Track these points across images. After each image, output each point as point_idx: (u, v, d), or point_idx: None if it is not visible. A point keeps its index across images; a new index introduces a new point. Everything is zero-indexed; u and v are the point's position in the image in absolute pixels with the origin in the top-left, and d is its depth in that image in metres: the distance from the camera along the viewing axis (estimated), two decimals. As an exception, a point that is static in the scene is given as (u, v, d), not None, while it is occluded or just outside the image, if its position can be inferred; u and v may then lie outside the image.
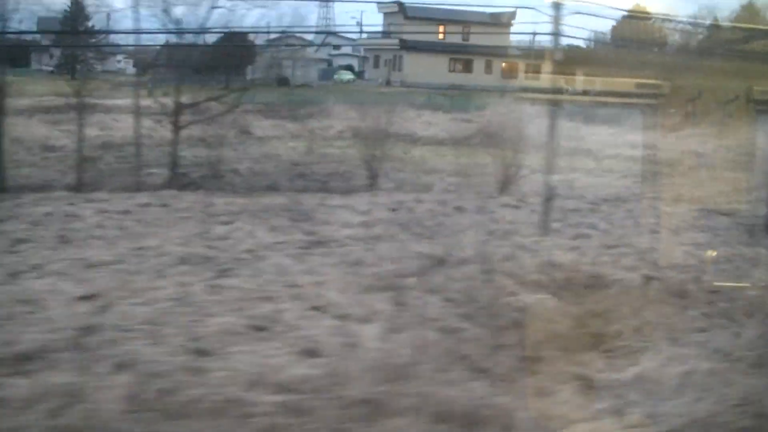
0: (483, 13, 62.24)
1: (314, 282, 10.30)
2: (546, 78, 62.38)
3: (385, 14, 58.28)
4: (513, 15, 60.76)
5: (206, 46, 50.48)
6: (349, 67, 66.73)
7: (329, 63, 69.29)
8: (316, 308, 9.23)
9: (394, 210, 16.10)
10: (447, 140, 27.81)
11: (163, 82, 54.39)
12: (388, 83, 57.11)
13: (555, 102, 20.18)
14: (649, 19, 57.32)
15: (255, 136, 27.44)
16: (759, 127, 26.48)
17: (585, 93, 56.72)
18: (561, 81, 61.79)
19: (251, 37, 53.04)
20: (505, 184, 19.51)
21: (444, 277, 10.58)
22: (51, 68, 63.23)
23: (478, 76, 55.65)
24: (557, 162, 24.44)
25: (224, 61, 51.33)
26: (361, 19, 65.02)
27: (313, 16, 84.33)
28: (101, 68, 62.66)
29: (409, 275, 10.57)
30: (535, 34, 56.64)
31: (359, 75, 63.66)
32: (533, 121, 32.19)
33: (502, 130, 29.19)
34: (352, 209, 16.04)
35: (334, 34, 60.97)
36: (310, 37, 58.79)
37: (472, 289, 9.95)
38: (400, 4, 55.64)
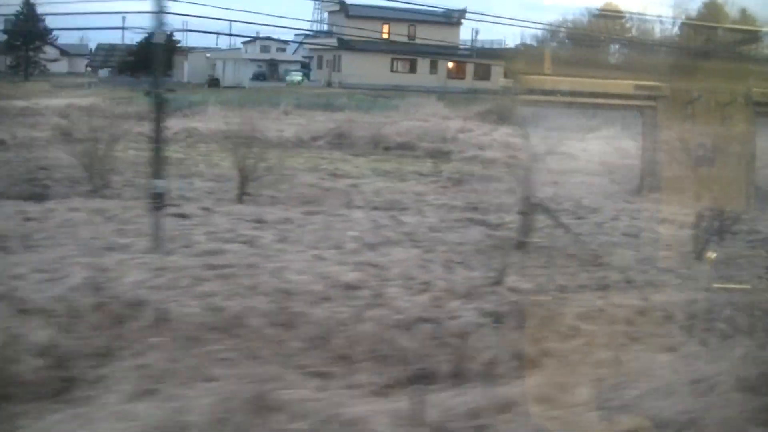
0: (431, 11, 60.26)
1: None
2: (496, 78, 60.12)
3: (329, 13, 56.60)
4: (463, 13, 58.81)
5: (136, 46, 49.63)
6: (307, 67, 65.15)
7: (274, 64, 67.71)
8: None
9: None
10: (291, 142, 26.02)
11: (99, 84, 53.39)
12: (329, 84, 55.40)
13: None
14: (621, 17, 55.08)
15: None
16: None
17: (547, 94, 54.38)
18: (510, 81, 59.59)
19: (183, 38, 52.03)
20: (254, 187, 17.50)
21: None
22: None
23: (422, 76, 53.69)
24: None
25: (153, 63, 50.17)
26: (319, 16, 62.92)
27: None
28: (50, 70, 62.10)
29: None
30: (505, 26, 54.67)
31: (307, 76, 62.08)
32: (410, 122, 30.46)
33: (356, 132, 27.48)
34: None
35: (273, 39, 59.32)
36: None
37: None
38: (342, 3, 53.93)
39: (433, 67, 54.27)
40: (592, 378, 9.28)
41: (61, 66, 66.38)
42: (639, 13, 54.16)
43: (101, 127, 26.55)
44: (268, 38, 75.46)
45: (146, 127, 27.74)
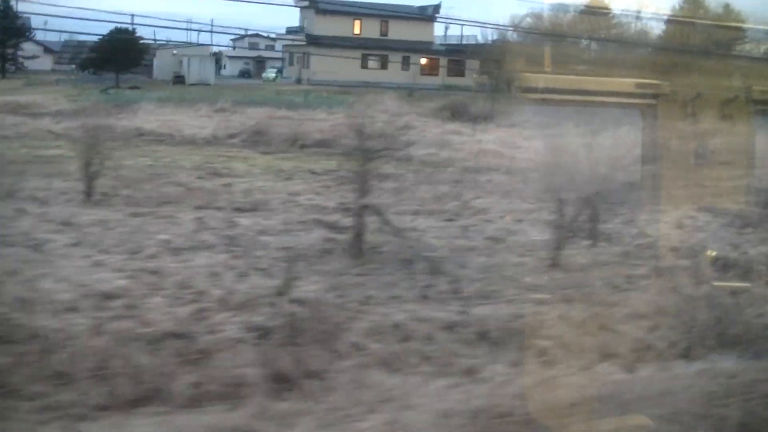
0: (404, 7, 59.06)
1: None
2: (471, 75, 58.63)
3: (301, 9, 55.42)
4: (437, 8, 57.44)
5: (98, 43, 48.68)
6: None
7: (261, 61, 66.68)
8: None
9: None
10: (203, 139, 24.87)
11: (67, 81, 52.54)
12: (298, 81, 54.20)
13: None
14: (606, 13, 53.69)
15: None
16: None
17: (526, 91, 52.87)
18: (485, 78, 58.28)
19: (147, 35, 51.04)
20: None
21: None
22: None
23: (393, 73, 52.30)
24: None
25: (118, 59, 49.44)
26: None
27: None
28: (28, 67, 61.27)
29: None
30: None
31: (281, 73, 60.90)
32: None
33: (277, 130, 26.27)
34: None
35: (261, 36, 58.15)
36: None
37: None
38: (312, -2, 52.84)
39: (406, 64, 52.83)
40: (331, 407, 8.06)
41: (44, 63, 65.44)
42: (616, 9, 52.65)
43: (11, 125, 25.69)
44: (257, 35, 74.62)
45: (63, 125, 26.94)
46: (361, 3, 55.47)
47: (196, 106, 31.97)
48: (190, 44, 52.54)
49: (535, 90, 46.39)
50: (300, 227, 13.87)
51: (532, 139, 31.33)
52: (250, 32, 73.45)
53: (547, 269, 12.46)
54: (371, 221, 13.17)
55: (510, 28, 50.82)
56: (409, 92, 48.39)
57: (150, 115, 28.52)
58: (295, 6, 54.71)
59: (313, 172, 19.99)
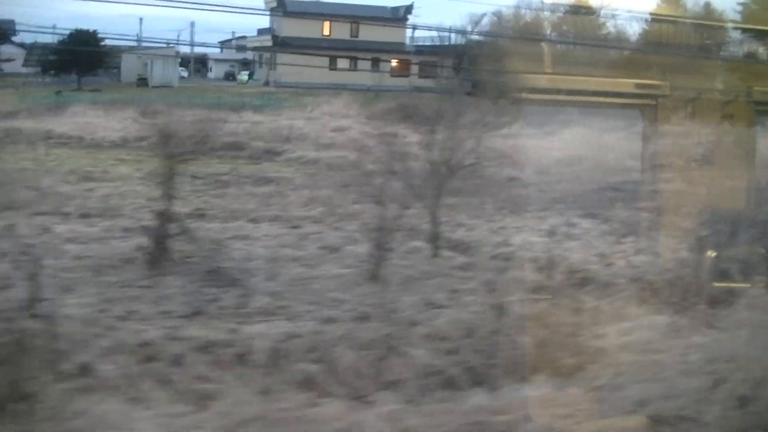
0: (375, 8, 57.97)
1: None
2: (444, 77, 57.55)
3: (271, 10, 54.54)
4: (409, 9, 56.40)
5: (62, 46, 48.14)
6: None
7: (246, 63, 65.84)
8: None
9: None
10: (108, 142, 24.15)
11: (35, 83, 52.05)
12: (266, 83, 53.38)
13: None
14: (592, 13, 52.68)
15: None
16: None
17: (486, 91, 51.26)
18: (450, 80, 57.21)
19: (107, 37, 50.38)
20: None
21: None
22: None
23: (362, 75, 51.31)
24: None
25: (78, 62, 48.86)
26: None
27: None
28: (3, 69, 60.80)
29: None
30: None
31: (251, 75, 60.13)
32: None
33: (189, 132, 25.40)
34: None
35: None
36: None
37: None
38: (280, -1, 52.00)
39: (375, 65, 51.83)
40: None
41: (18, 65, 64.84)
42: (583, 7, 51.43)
43: None
44: (243, 37, 73.96)
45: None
46: (331, 4, 54.66)
47: (131, 108, 31.25)
48: (156, 47, 51.87)
49: (494, 90, 45.69)
50: (122, 234, 13.04)
51: (462, 141, 30.56)
52: (237, 35, 73.02)
53: (364, 282, 11.57)
54: (195, 228, 12.37)
55: (473, 32, 50.03)
56: (375, 94, 47.58)
57: (74, 118, 27.90)
58: (265, 8, 53.91)
59: (194, 176, 19.18)
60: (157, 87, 49.40)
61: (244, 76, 59.32)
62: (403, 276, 11.75)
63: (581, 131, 34.63)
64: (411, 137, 31.04)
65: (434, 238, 13.58)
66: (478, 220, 15.59)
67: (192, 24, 66.28)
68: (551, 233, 14.67)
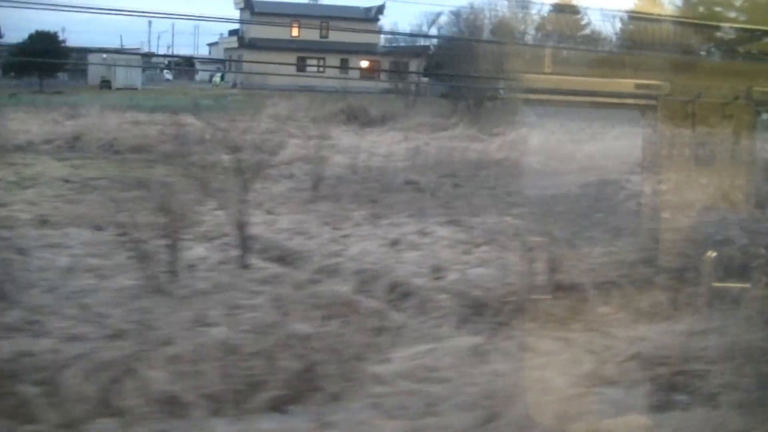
0: (346, 8, 57.26)
1: None
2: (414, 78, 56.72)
3: (240, 11, 54.11)
4: (381, 10, 55.72)
5: (22, 47, 47.86)
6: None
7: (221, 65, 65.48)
8: None
9: None
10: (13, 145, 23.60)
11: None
12: (234, 85, 52.88)
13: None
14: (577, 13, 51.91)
15: None
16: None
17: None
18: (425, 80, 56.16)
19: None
20: None
21: None
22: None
23: (330, 76, 50.74)
24: None
25: (39, 64, 48.50)
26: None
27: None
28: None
29: None
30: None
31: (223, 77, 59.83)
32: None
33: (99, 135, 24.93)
34: None
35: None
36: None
37: None
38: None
39: (344, 66, 51.27)
40: None
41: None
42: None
43: None
44: (219, 39, 73.74)
45: None
46: (300, 5, 54.18)
47: (64, 110, 30.86)
48: (121, 49, 51.64)
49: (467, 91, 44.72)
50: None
51: (402, 143, 29.87)
52: (223, 37, 72.69)
53: (146, 296, 10.78)
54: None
55: (441, 35, 49.35)
56: (342, 96, 47.03)
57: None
58: (235, 9, 53.55)
59: (66, 180, 18.56)
60: (120, 89, 49.16)
61: (217, 78, 58.95)
62: (193, 289, 10.94)
63: (538, 132, 33.73)
64: (335, 140, 30.65)
65: (260, 248, 12.79)
66: (327, 228, 14.77)
67: (173, 26, 65.91)
68: (396, 242, 13.81)
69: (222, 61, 57.92)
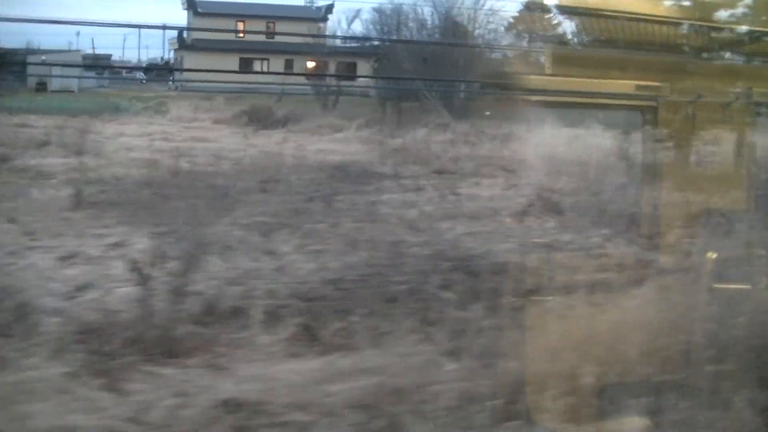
0: (293, 8, 55.82)
1: None
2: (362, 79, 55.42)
3: (187, 12, 52.74)
4: (330, 9, 54.19)
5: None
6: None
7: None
8: None
9: None
10: None
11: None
12: (176, 88, 51.48)
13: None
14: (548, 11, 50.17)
15: None
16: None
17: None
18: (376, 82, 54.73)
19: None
20: None
21: None
22: None
23: (275, 77, 49.19)
24: None
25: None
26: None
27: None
28: None
29: None
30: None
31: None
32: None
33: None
34: None
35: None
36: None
37: None
38: (189, -1, 50.09)
39: (289, 67, 49.78)
40: None
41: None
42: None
43: None
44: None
45: None
46: (246, 4, 52.59)
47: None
48: (60, 50, 50.35)
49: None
50: None
51: (279, 144, 28.67)
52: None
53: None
54: None
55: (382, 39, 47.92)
56: (278, 97, 45.75)
57: None
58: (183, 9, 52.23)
59: None
60: (56, 92, 47.94)
61: (144, 79, 57.55)
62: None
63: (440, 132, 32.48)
64: (232, 139, 29.51)
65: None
66: (26, 238, 13.28)
67: (139, 28, 64.40)
68: (72, 256, 12.28)
69: (161, 67, 56.72)
